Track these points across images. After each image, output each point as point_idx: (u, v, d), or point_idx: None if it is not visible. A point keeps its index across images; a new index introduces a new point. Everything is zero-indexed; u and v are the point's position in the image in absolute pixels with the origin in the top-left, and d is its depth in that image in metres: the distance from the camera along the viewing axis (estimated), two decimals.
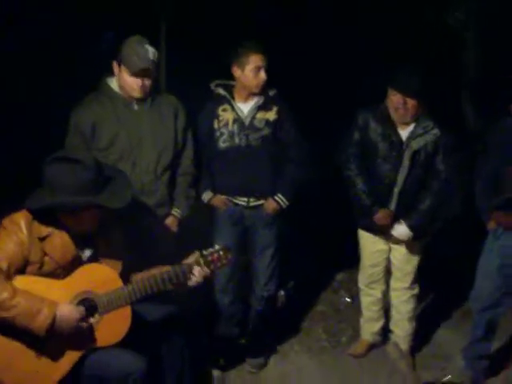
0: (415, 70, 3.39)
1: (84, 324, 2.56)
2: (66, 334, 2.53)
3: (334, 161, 3.61)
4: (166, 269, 2.68)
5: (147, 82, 3.11)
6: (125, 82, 3.11)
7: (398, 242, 3.55)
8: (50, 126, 3.89)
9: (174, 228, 3.33)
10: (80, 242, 2.65)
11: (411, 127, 3.41)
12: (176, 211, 3.32)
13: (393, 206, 3.46)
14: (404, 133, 3.41)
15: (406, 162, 3.39)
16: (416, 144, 3.39)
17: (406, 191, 3.43)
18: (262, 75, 3.32)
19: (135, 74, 3.07)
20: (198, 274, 2.69)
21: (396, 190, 3.43)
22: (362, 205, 3.49)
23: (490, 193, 3.25)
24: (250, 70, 3.30)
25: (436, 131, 3.39)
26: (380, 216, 3.46)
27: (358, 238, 3.69)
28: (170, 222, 3.32)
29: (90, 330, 2.59)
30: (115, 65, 3.13)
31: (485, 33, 5.24)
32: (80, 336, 2.57)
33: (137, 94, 3.12)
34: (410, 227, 3.45)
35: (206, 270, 2.70)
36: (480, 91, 5.23)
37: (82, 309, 2.56)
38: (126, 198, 2.63)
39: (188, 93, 3.49)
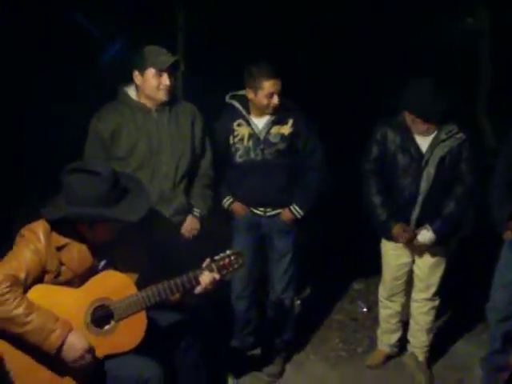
0: (427, 90, 3.24)
1: (88, 357, 2.55)
2: (71, 360, 2.54)
3: (355, 170, 3.60)
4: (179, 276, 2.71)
5: (172, 83, 3.16)
6: (151, 86, 3.13)
7: (422, 253, 3.50)
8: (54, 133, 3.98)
9: (196, 229, 3.33)
10: (97, 251, 2.67)
11: (433, 134, 3.34)
12: (196, 211, 3.33)
13: (415, 214, 3.42)
14: (424, 142, 3.35)
15: (430, 171, 3.33)
16: (441, 151, 3.32)
17: (430, 198, 3.38)
18: (275, 100, 3.30)
19: (164, 71, 3.11)
20: (209, 280, 2.70)
21: (420, 200, 3.38)
22: (379, 222, 3.46)
23: (507, 202, 3.20)
24: (263, 96, 3.29)
25: (461, 135, 3.32)
26: (396, 232, 3.43)
27: (381, 250, 3.66)
28: (190, 222, 3.32)
29: (96, 359, 2.59)
30: (136, 74, 3.16)
31: (499, 41, 5.18)
32: (86, 363, 2.57)
33: (162, 95, 3.15)
34: (435, 232, 3.40)
35: (218, 276, 2.72)
36: (496, 103, 5.17)
37: (88, 344, 2.55)
38: (142, 210, 2.63)
39: (205, 102, 3.52)
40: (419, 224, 3.44)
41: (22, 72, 4.33)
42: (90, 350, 2.56)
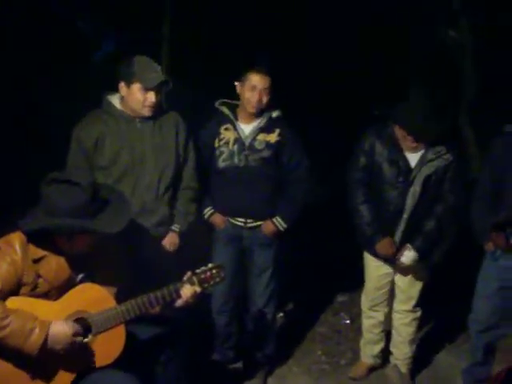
0: (423, 109, 3.23)
1: (78, 339, 2.53)
2: (61, 352, 2.51)
3: (335, 183, 3.59)
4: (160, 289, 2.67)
5: (158, 99, 3.13)
6: (136, 100, 3.10)
7: (403, 266, 3.50)
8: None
9: (175, 244, 3.31)
10: (75, 264, 2.63)
11: (421, 152, 3.33)
12: (176, 226, 3.31)
13: (400, 231, 3.41)
14: (413, 158, 3.35)
15: (416, 188, 3.33)
16: (427, 169, 3.32)
17: (414, 217, 3.38)
18: (257, 96, 3.30)
19: (151, 90, 3.08)
20: (190, 293, 2.67)
21: (405, 216, 3.37)
22: (364, 234, 3.45)
23: (488, 213, 3.21)
24: (247, 89, 3.31)
25: (448, 156, 3.32)
26: (381, 246, 3.42)
27: (364, 260, 3.66)
28: (170, 237, 3.30)
29: (85, 349, 2.57)
30: (122, 85, 3.13)
31: (481, 50, 5.22)
32: (74, 356, 2.55)
33: (147, 111, 3.13)
34: (417, 249, 3.40)
35: (199, 289, 2.69)
36: (478, 113, 5.22)
37: (75, 324, 2.53)
38: (122, 223, 2.59)
39: (190, 109, 3.51)
40: (402, 241, 3.43)
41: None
42: (77, 333, 2.52)
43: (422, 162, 3.33)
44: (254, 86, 3.30)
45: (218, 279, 2.74)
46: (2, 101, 4.08)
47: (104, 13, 4.66)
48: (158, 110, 3.20)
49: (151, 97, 3.09)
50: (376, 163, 3.39)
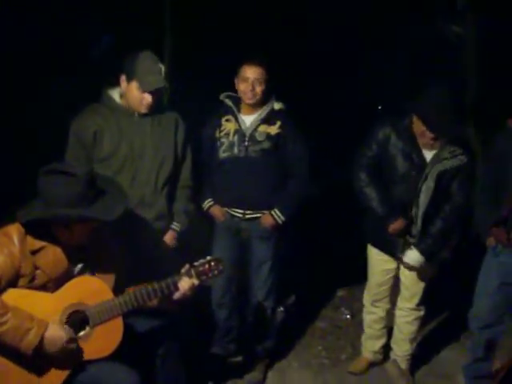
0: (444, 105, 3.16)
1: (72, 345, 2.53)
2: (54, 354, 2.51)
3: (339, 176, 3.57)
4: (157, 281, 2.67)
5: (155, 99, 3.12)
6: (134, 97, 3.10)
7: (409, 266, 3.46)
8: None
9: (173, 242, 3.31)
10: (73, 255, 2.63)
11: (436, 150, 3.30)
12: (175, 225, 3.31)
13: (417, 228, 3.36)
14: (427, 154, 3.31)
15: (430, 184, 3.28)
16: (442, 166, 3.28)
17: (429, 214, 3.33)
18: (248, 87, 3.35)
19: (148, 92, 3.08)
20: (187, 286, 2.67)
21: (420, 213, 3.32)
22: (376, 216, 3.37)
23: (490, 207, 3.19)
24: (241, 81, 3.37)
25: (463, 157, 3.29)
26: (396, 226, 3.34)
27: (368, 255, 3.63)
28: (168, 236, 3.30)
29: (81, 348, 2.57)
30: (123, 79, 3.12)
31: (485, 49, 5.19)
32: (69, 355, 2.55)
33: (144, 109, 3.13)
34: (422, 251, 3.37)
35: (197, 282, 2.69)
36: (482, 112, 5.18)
37: (71, 330, 2.53)
38: (119, 211, 2.58)
39: (190, 107, 3.50)
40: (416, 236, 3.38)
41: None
42: (72, 340, 2.52)
43: (437, 159, 3.29)
44: (246, 78, 3.36)
45: (216, 272, 2.73)
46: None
47: (103, 5, 4.64)
48: (158, 107, 3.18)
49: (148, 98, 3.08)
50: (389, 154, 3.33)
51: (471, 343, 3.49)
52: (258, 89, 3.36)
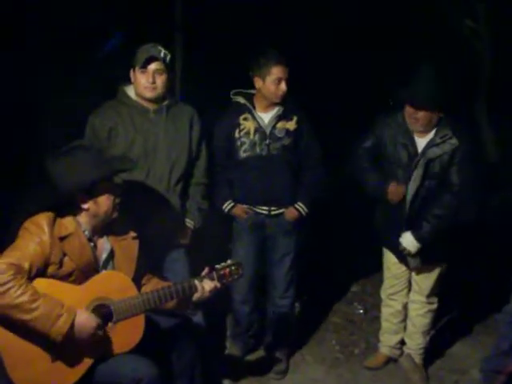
0: (425, 79, 3.26)
1: (100, 332, 2.58)
2: (82, 341, 2.56)
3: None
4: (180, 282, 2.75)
5: (159, 81, 3.13)
6: (138, 83, 3.13)
7: (417, 268, 3.49)
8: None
9: (187, 239, 3.33)
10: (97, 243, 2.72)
11: (430, 136, 3.33)
12: (189, 222, 3.32)
13: (404, 216, 3.40)
14: (421, 142, 3.35)
15: (419, 171, 3.32)
16: (432, 153, 3.31)
17: (417, 201, 3.37)
18: (283, 86, 3.34)
19: (145, 67, 3.10)
20: (209, 288, 2.74)
21: (408, 199, 3.37)
22: (375, 187, 3.43)
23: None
24: (271, 82, 3.33)
25: (454, 141, 3.30)
26: (392, 189, 3.37)
27: (383, 249, 3.65)
28: (183, 233, 3.32)
29: (106, 337, 2.61)
30: (132, 72, 3.17)
31: (498, 40, 5.17)
32: (95, 343, 2.59)
33: (148, 93, 3.13)
34: (417, 237, 3.39)
35: (218, 285, 2.75)
36: (495, 101, 5.17)
37: (98, 319, 2.57)
38: (133, 162, 2.92)
39: (203, 103, 3.51)
40: (407, 227, 3.41)
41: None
42: (100, 326, 2.57)
43: (429, 145, 3.33)
44: (279, 78, 3.33)
45: (236, 276, 2.81)
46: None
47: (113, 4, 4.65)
48: (170, 102, 3.21)
49: (148, 77, 3.10)
50: (386, 145, 3.39)
51: (496, 337, 3.35)
52: (286, 88, 3.35)
